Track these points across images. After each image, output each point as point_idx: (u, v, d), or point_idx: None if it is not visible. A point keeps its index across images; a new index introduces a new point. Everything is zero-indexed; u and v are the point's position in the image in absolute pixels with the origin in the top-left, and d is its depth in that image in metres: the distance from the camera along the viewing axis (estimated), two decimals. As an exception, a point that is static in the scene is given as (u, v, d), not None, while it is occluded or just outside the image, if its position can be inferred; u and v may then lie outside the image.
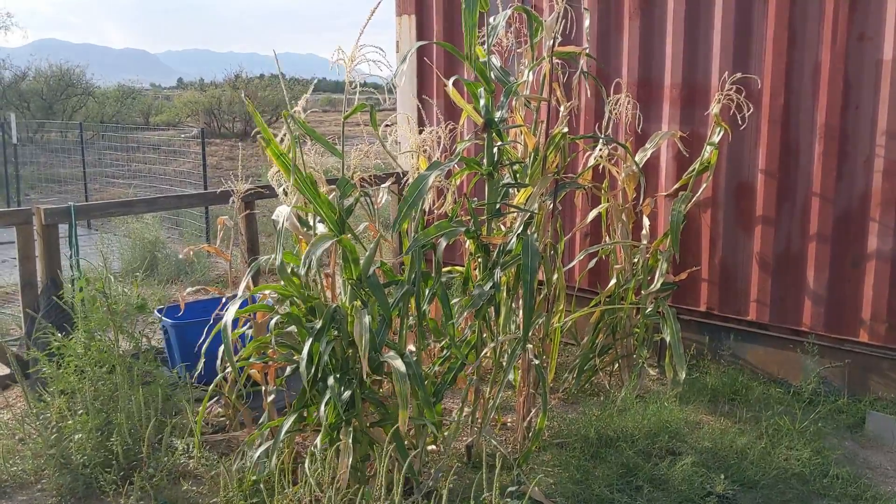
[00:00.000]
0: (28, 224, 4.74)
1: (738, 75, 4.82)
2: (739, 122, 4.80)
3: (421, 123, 5.62)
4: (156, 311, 5.10)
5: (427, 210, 4.40)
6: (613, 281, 5.13)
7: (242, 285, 3.58)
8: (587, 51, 4.44)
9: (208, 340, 3.82)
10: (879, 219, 4.61)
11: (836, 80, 4.67)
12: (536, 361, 4.05)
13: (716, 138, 4.95)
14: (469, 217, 3.88)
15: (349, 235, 3.44)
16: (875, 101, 4.57)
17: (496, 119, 3.80)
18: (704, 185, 5.02)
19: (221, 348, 3.57)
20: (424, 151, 4.29)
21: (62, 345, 3.96)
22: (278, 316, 3.64)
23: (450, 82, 4.03)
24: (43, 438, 3.81)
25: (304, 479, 3.17)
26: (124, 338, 4.03)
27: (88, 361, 3.91)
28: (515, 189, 4.15)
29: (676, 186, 5.24)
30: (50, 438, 3.79)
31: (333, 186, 3.50)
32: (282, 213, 3.56)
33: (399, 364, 3.22)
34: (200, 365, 3.90)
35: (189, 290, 4.84)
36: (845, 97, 4.66)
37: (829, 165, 4.75)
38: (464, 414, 4.09)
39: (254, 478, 3.50)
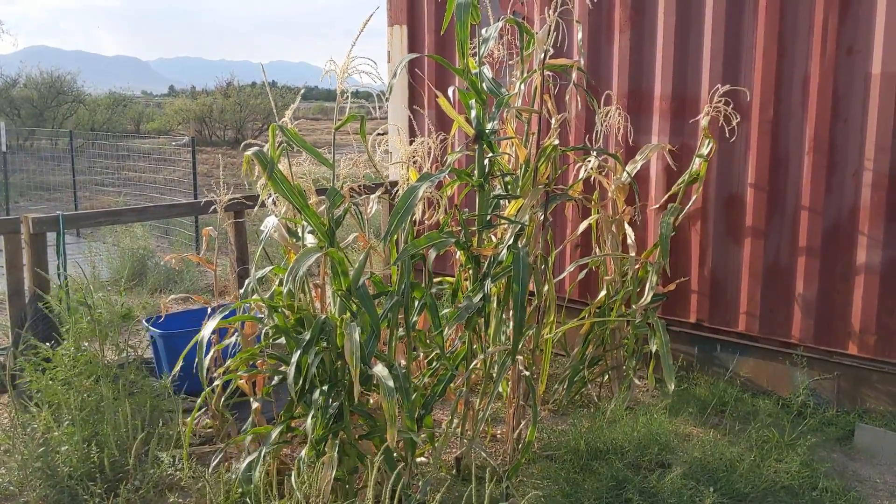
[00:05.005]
0: (16, 233, 4.72)
1: (726, 87, 4.83)
2: (727, 134, 4.82)
3: (412, 134, 5.62)
4: (144, 321, 5.07)
5: (418, 220, 4.40)
6: (603, 292, 5.13)
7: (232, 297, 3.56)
8: (579, 63, 4.45)
9: (189, 349, 3.79)
10: (868, 231, 4.63)
11: (825, 93, 4.70)
12: (526, 373, 4.03)
13: (704, 150, 4.96)
14: (460, 228, 3.87)
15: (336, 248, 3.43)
16: (864, 115, 4.59)
17: (487, 130, 3.80)
18: (695, 197, 5.04)
19: (207, 357, 3.55)
20: (415, 162, 4.29)
21: (47, 357, 3.93)
22: (267, 327, 3.62)
23: (440, 94, 4.03)
24: (29, 450, 3.77)
25: (290, 492, 3.14)
26: (110, 348, 4.00)
27: (74, 372, 3.88)
28: (506, 200, 4.15)
29: (665, 198, 5.25)
30: (36, 450, 3.75)
31: (323, 197, 3.49)
32: (269, 223, 3.54)
33: (388, 380, 3.20)
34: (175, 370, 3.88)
35: (172, 297, 4.80)
36: (834, 110, 4.68)
37: (819, 178, 4.77)
38: (453, 425, 4.07)
39: (240, 490, 3.47)
